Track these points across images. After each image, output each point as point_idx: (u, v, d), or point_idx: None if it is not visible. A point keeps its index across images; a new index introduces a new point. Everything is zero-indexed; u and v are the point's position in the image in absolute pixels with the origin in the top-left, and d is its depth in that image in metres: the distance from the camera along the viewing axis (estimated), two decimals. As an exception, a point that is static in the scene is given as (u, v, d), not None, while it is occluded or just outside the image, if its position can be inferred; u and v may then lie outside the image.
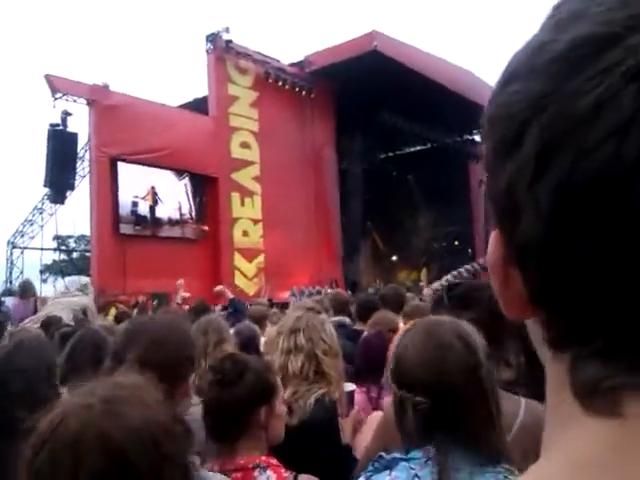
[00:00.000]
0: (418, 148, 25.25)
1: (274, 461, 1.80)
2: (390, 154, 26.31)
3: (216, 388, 1.86)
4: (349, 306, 5.94)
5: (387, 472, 1.35)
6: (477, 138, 25.96)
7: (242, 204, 16.52)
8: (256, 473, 1.73)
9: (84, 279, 8.13)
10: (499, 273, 0.41)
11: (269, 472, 1.73)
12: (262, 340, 4.32)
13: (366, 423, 2.57)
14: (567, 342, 0.37)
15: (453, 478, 1.26)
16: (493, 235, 0.41)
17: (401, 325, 3.78)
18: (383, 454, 1.40)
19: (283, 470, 1.78)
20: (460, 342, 1.39)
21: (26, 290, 8.33)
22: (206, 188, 16.00)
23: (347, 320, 5.40)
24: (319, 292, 11.81)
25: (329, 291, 11.32)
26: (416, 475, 1.29)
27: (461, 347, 1.38)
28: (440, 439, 1.31)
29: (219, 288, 7.01)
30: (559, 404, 0.39)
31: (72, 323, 6.27)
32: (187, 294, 8.01)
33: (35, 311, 7.52)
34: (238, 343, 3.94)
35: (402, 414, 1.38)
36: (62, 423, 0.96)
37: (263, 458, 1.78)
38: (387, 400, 2.31)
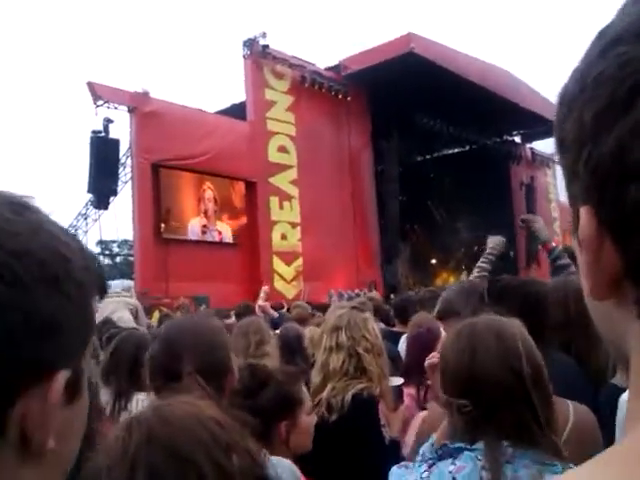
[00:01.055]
0: (456, 150, 25.00)
1: (293, 465, 1.73)
2: (428, 156, 26.11)
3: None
4: (383, 309, 5.92)
5: (450, 460, 1.34)
6: (517, 139, 25.58)
7: (281, 207, 16.60)
8: None
9: (127, 282, 8.29)
10: (592, 248, 0.40)
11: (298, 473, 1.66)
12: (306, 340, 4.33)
13: (411, 425, 2.55)
14: None
15: (512, 476, 1.25)
16: (584, 210, 0.41)
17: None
18: (447, 442, 1.39)
19: None
20: (493, 334, 1.39)
21: None
22: (245, 192, 16.12)
23: (381, 324, 5.38)
24: (357, 295, 11.77)
25: (367, 294, 11.28)
26: (483, 467, 1.28)
27: (494, 339, 1.38)
28: (489, 437, 1.30)
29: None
30: None
31: (132, 320, 6.44)
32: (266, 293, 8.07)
33: None
34: (282, 344, 3.95)
35: (451, 418, 1.39)
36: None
37: (286, 462, 1.70)
38: (432, 403, 2.29)
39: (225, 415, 1.00)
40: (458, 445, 1.35)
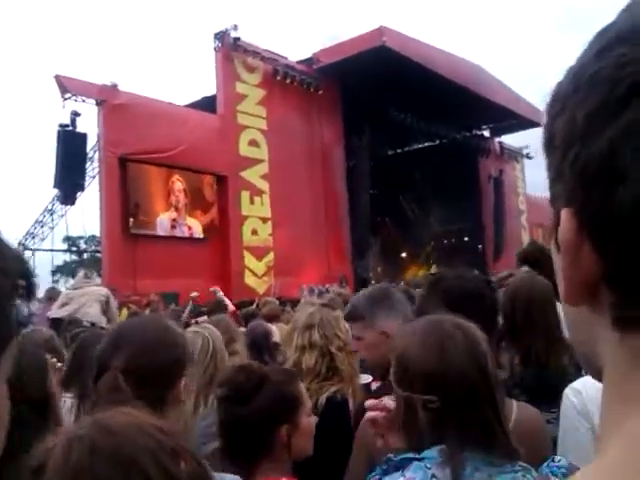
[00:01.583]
0: (427, 144, 25.20)
1: None
2: (399, 150, 26.27)
3: (229, 405, 1.70)
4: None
5: (399, 473, 1.32)
6: (486, 133, 25.87)
7: (252, 202, 16.51)
8: None
9: (96, 280, 8.18)
10: (570, 250, 0.40)
11: None
12: (277, 338, 4.32)
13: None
14: None
15: (471, 478, 1.23)
16: (565, 212, 0.40)
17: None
18: (391, 456, 1.36)
19: None
20: (461, 333, 1.38)
21: (50, 295, 8.45)
22: (215, 187, 15.99)
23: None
24: (328, 290, 11.78)
25: (336, 289, 11.31)
26: (434, 475, 1.27)
27: (462, 337, 1.37)
28: (453, 438, 1.29)
29: (213, 289, 7.30)
30: (628, 385, 0.39)
31: (98, 315, 6.35)
32: (196, 293, 8.18)
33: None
34: (249, 341, 3.94)
35: (411, 417, 1.35)
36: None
37: None
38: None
39: (167, 422, 0.96)
40: (404, 456, 1.33)
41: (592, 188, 0.38)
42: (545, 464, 1.39)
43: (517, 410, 1.72)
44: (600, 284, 0.39)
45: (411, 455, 1.33)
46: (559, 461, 1.41)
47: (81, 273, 7.77)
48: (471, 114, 21.82)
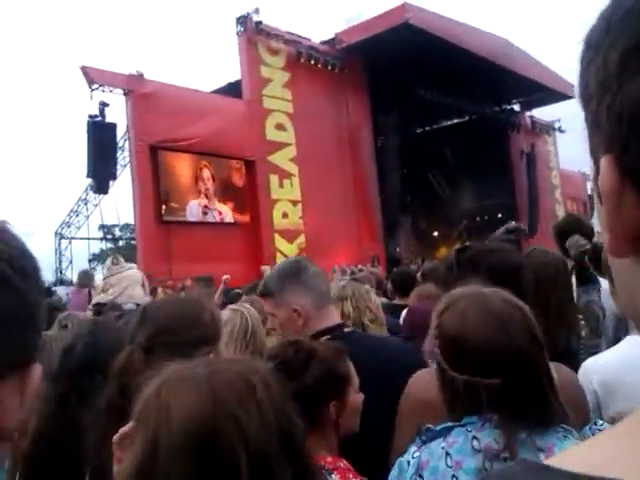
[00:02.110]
0: (455, 121, 24.83)
1: (343, 463, 1.59)
2: (427, 128, 25.94)
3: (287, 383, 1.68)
4: (385, 284, 5.92)
5: (441, 439, 1.34)
6: (516, 107, 25.38)
7: (280, 186, 16.55)
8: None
9: (131, 265, 8.34)
10: (612, 200, 0.39)
11: (335, 477, 1.53)
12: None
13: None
14: None
15: (519, 441, 1.25)
16: (605, 160, 0.39)
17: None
18: (430, 426, 1.38)
19: (352, 475, 1.57)
20: (516, 311, 1.35)
21: (81, 280, 8.68)
22: (244, 171, 16.07)
23: (383, 298, 5.40)
24: (360, 270, 11.78)
25: (369, 268, 11.29)
26: (475, 437, 1.28)
27: (519, 316, 1.34)
28: (510, 414, 1.28)
29: (263, 268, 7.35)
30: None
31: (143, 297, 6.50)
32: (227, 276, 8.31)
33: (89, 300, 7.79)
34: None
35: (469, 398, 1.32)
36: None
37: (329, 459, 1.57)
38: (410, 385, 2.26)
39: None
40: (444, 425, 1.35)
41: (631, 132, 0.36)
42: (587, 427, 1.40)
43: (557, 371, 1.71)
44: None
45: (450, 424, 1.35)
46: (601, 425, 1.42)
47: (108, 261, 7.92)
48: (500, 89, 21.42)
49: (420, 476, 1.32)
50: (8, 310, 0.53)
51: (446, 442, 1.32)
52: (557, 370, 1.72)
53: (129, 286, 6.80)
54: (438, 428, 1.36)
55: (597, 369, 2.04)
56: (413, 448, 1.39)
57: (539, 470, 0.36)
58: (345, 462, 1.60)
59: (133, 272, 7.25)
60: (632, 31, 0.36)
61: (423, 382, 1.76)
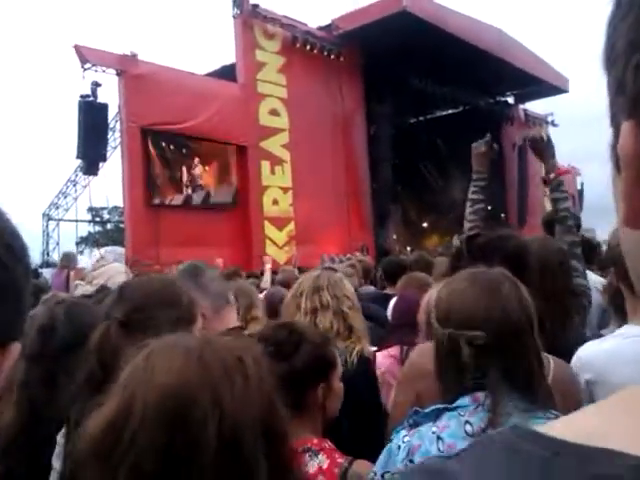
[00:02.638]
0: (449, 111, 24.80)
1: (328, 444, 1.64)
2: (421, 118, 25.91)
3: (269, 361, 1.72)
4: (373, 273, 5.94)
5: (431, 423, 1.34)
6: (510, 100, 25.37)
7: (272, 172, 16.48)
8: (307, 457, 1.56)
9: (119, 249, 8.29)
10: (634, 167, 0.37)
11: (321, 456, 1.57)
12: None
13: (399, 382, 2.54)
14: None
15: (504, 422, 1.24)
16: (627, 126, 0.37)
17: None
18: (419, 408, 1.38)
19: (337, 455, 1.61)
20: (508, 281, 1.40)
21: (62, 261, 8.64)
22: (236, 157, 15.98)
23: (372, 288, 5.39)
24: (349, 259, 11.77)
25: (358, 257, 11.29)
26: (467, 422, 1.27)
27: (511, 284, 1.38)
28: (495, 379, 1.28)
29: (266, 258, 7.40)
30: None
31: None
32: (220, 260, 8.27)
33: (67, 282, 7.77)
34: (267, 307, 3.97)
35: (451, 356, 1.34)
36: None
37: (315, 441, 1.62)
38: (412, 354, 2.29)
39: None
40: (434, 407, 1.35)
41: None
42: None
43: (554, 366, 1.72)
44: None
45: (442, 405, 1.34)
46: None
47: (94, 259, 7.90)
48: (495, 80, 21.38)
49: (411, 461, 1.32)
50: None
51: (437, 426, 1.32)
52: (556, 364, 1.72)
53: (113, 276, 6.78)
54: (427, 410, 1.36)
55: (588, 362, 2.05)
56: (403, 432, 1.39)
57: (535, 437, 0.35)
58: (330, 443, 1.63)
59: (116, 264, 7.24)
60: None
61: (425, 352, 1.81)
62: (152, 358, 0.95)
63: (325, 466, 1.55)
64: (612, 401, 0.37)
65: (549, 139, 3.19)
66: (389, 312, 3.75)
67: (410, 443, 1.34)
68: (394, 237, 21.97)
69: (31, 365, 1.94)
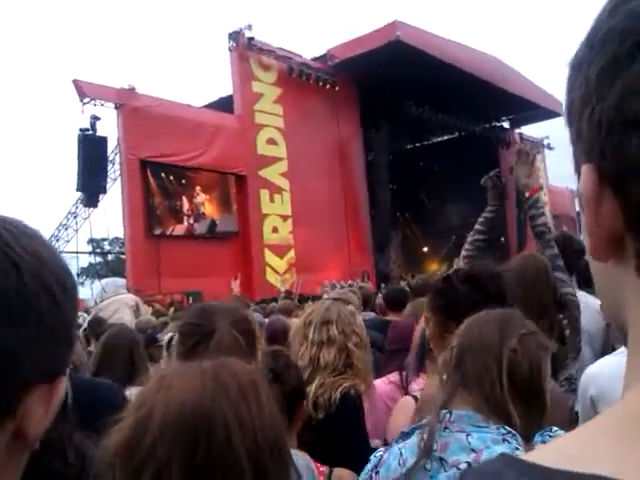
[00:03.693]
0: (445, 137, 24.99)
1: (307, 456, 1.76)
2: (417, 144, 26.11)
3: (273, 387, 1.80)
4: (373, 300, 5.93)
5: (402, 440, 1.39)
6: (506, 125, 25.59)
7: (271, 200, 16.58)
8: None
9: (120, 281, 8.29)
10: (592, 204, 0.40)
11: (307, 456, 1.74)
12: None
13: (398, 408, 2.53)
14: None
15: (441, 442, 1.30)
16: (585, 168, 0.41)
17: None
18: (404, 430, 1.44)
19: (318, 464, 1.75)
20: (495, 319, 1.43)
21: None
22: (235, 186, 16.08)
23: (372, 314, 5.39)
24: (350, 285, 11.79)
25: (359, 284, 11.30)
26: (422, 439, 1.32)
27: (495, 318, 1.44)
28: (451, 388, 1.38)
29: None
30: None
31: (131, 322, 6.45)
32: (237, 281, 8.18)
33: None
34: (268, 336, 3.96)
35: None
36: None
37: (300, 453, 1.72)
38: (415, 387, 2.30)
39: None
40: (413, 426, 1.41)
41: (608, 139, 0.38)
42: (539, 432, 1.42)
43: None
44: (624, 235, 0.39)
45: (416, 425, 1.42)
46: (555, 431, 1.44)
47: (100, 289, 7.90)
48: (489, 106, 21.62)
49: (377, 472, 1.41)
50: (50, 322, 0.57)
51: (404, 443, 1.38)
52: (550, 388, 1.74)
53: (118, 310, 6.78)
54: (407, 430, 1.42)
55: (593, 378, 2.08)
56: (380, 450, 1.47)
57: (521, 466, 0.36)
58: (307, 455, 1.76)
59: (124, 296, 7.22)
60: (608, 49, 0.39)
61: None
62: (167, 379, 0.95)
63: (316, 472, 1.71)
64: (594, 423, 0.39)
65: (521, 161, 3.24)
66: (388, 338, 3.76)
67: (381, 457, 1.42)
68: (394, 262, 21.98)
69: None
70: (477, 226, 3.15)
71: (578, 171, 0.44)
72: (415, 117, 19.57)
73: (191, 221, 15.06)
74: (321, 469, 1.73)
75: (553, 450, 0.38)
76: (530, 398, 1.36)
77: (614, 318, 0.46)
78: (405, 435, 1.41)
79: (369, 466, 1.43)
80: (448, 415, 1.32)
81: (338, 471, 1.76)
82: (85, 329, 5.72)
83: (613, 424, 0.37)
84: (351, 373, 2.38)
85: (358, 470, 1.99)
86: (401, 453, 1.36)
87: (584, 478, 0.33)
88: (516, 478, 0.35)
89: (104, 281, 8.49)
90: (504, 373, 1.32)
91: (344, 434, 2.21)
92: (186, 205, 15.02)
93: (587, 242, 0.43)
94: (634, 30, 0.37)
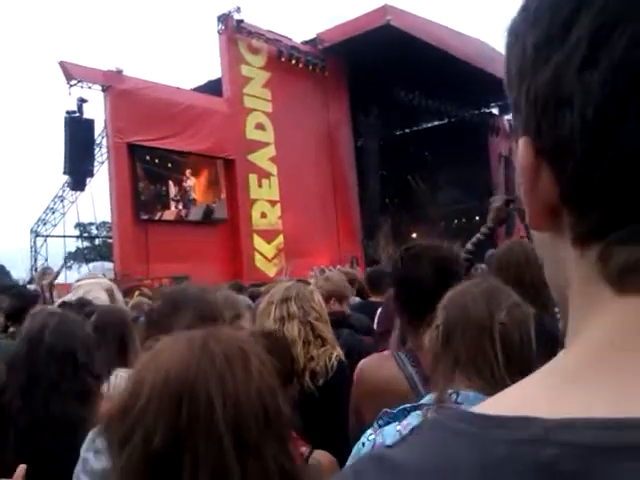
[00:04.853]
0: (435, 123, 24.99)
1: (292, 434, 1.78)
2: (407, 130, 26.09)
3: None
4: (357, 283, 5.98)
5: (396, 423, 1.37)
6: (495, 111, 25.60)
7: (259, 185, 16.54)
8: None
9: (107, 265, 8.28)
10: (529, 177, 0.41)
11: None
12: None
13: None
14: (601, 233, 0.38)
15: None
16: (522, 141, 0.42)
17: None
18: (388, 410, 1.42)
19: (300, 443, 1.71)
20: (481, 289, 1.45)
21: (38, 278, 8.74)
22: (224, 171, 16.02)
23: (357, 298, 5.44)
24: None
25: (343, 269, 11.32)
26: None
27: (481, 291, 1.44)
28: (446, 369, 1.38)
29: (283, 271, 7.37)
30: (585, 299, 0.41)
31: (107, 301, 6.43)
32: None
33: (44, 296, 7.84)
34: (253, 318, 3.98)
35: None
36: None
37: None
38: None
39: None
40: (403, 407, 1.39)
41: (543, 115, 0.39)
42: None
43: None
44: (559, 207, 0.40)
45: (409, 405, 1.39)
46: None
47: (86, 271, 7.92)
48: (479, 92, 21.58)
49: None
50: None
51: (402, 424, 1.36)
52: None
53: (92, 290, 6.77)
54: (395, 411, 1.39)
55: None
56: (369, 431, 1.44)
57: (462, 416, 0.38)
58: (294, 433, 1.72)
59: (101, 280, 7.22)
60: (544, 22, 0.39)
61: (371, 367, 1.98)
62: (158, 347, 1.02)
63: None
64: (528, 380, 0.40)
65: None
66: (376, 320, 3.79)
67: (375, 440, 1.40)
68: (383, 248, 22.04)
69: (12, 373, 1.98)
70: (469, 246, 3.22)
71: (515, 138, 0.45)
72: (405, 102, 19.52)
73: (180, 206, 14.98)
74: (302, 449, 1.71)
75: (497, 400, 0.40)
76: (525, 369, 1.36)
77: (553, 287, 0.48)
78: (394, 416, 1.39)
79: (365, 449, 1.41)
80: (455, 396, 1.32)
81: (318, 454, 1.75)
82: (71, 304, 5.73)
83: (545, 378, 0.39)
84: (329, 345, 2.53)
85: (342, 440, 1.99)
86: (400, 433, 1.34)
87: (515, 420, 0.35)
88: (457, 425, 0.37)
89: (91, 265, 8.51)
90: (498, 349, 1.33)
91: (341, 399, 2.28)
92: (175, 190, 14.94)
93: (526, 212, 0.44)
94: (565, 4, 0.37)
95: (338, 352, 2.52)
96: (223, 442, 0.91)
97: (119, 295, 7.30)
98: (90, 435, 1.46)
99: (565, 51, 0.37)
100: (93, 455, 1.35)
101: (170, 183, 14.87)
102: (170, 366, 0.96)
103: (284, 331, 2.47)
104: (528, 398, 0.38)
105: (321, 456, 1.73)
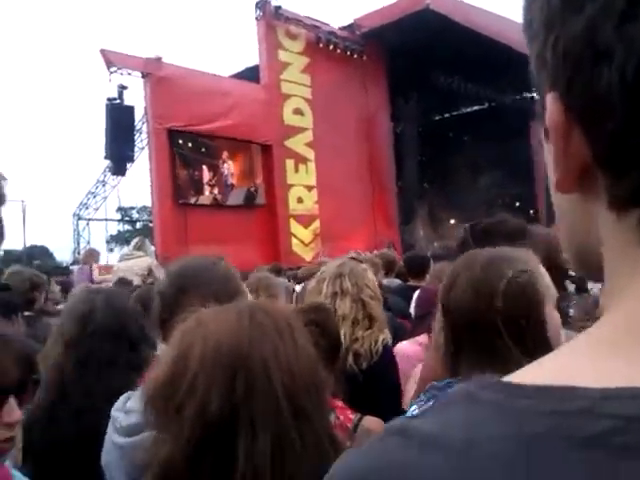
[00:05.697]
0: (475, 108, 24.57)
1: (340, 403, 1.77)
2: (446, 115, 25.71)
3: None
4: (396, 266, 5.97)
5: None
6: (536, 96, 25.03)
7: (296, 171, 16.57)
8: None
9: (152, 247, 8.52)
10: (559, 136, 0.39)
11: (334, 414, 1.68)
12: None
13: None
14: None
15: None
16: (551, 97, 0.39)
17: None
18: (435, 383, 1.41)
19: (349, 412, 1.77)
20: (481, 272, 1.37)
21: (84, 258, 9.14)
22: (261, 156, 16.10)
23: (397, 280, 5.43)
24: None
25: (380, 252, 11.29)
26: None
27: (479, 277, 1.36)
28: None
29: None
30: (624, 264, 0.38)
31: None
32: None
33: (91, 277, 8.16)
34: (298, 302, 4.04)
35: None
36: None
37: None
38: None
39: None
40: (448, 380, 1.37)
41: (575, 70, 0.36)
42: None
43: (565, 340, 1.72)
44: (593, 168, 0.38)
45: (454, 379, 1.36)
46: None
47: (132, 243, 8.13)
48: (520, 76, 20.78)
49: None
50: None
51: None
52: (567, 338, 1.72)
53: (126, 275, 6.97)
54: (441, 384, 1.38)
55: None
56: (414, 406, 1.42)
57: (492, 385, 0.37)
58: (342, 402, 1.76)
59: (139, 261, 7.35)
60: None
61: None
62: (204, 317, 0.99)
63: (338, 422, 1.67)
64: (569, 347, 0.38)
65: None
66: (412, 304, 3.80)
67: None
68: (421, 234, 21.88)
69: (67, 350, 2.04)
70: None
71: (540, 92, 0.43)
72: (444, 87, 19.22)
73: (215, 191, 15.13)
74: (350, 416, 1.74)
75: (531, 369, 0.38)
76: (538, 347, 1.33)
77: (574, 253, 0.45)
78: (440, 389, 1.36)
79: None
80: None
81: (368, 420, 1.75)
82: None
83: (582, 347, 0.37)
84: (377, 327, 2.44)
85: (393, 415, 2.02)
86: None
87: (557, 389, 0.33)
88: (486, 396, 0.36)
89: (142, 237, 8.81)
90: (505, 335, 1.28)
91: (385, 384, 2.27)
92: (209, 175, 15.08)
93: (552, 175, 0.41)
94: None
95: (386, 336, 2.44)
96: (282, 410, 0.90)
97: (159, 272, 7.46)
98: (122, 398, 1.47)
99: (599, 3, 0.34)
100: (124, 414, 1.38)
101: (204, 168, 15.01)
102: (220, 337, 0.94)
103: (335, 307, 2.38)
104: (567, 368, 0.36)
105: (371, 422, 1.73)
